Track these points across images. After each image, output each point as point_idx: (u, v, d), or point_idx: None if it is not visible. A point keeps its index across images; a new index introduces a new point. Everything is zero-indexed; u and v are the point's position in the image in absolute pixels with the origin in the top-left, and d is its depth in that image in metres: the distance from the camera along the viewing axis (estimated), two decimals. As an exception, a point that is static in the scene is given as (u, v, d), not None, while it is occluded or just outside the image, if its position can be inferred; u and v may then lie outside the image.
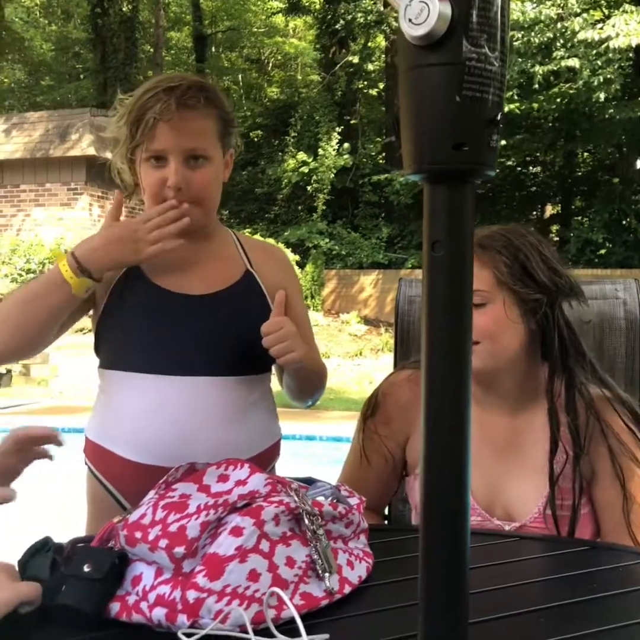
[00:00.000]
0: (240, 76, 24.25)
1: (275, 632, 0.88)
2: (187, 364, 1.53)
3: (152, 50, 22.07)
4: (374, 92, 19.43)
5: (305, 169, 15.20)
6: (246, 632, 0.88)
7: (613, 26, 12.28)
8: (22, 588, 0.92)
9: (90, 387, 1.79)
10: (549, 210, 18.56)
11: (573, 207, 17.26)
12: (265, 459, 1.64)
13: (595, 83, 12.39)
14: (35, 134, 13.50)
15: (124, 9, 17.61)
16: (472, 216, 0.61)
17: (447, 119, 0.59)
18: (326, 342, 11.68)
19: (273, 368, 1.68)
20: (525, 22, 12.93)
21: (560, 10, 13.04)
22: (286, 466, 1.69)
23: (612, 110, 13.14)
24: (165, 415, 1.52)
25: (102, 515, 1.52)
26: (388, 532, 1.40)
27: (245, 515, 0.95)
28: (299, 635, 0.85)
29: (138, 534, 0.95)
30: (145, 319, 1.55)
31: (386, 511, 1.79)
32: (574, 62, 12.56)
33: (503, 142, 13.34)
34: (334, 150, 15.33)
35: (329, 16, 16.43)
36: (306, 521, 1.01)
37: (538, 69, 12.78)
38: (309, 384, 1.70)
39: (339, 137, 15.57)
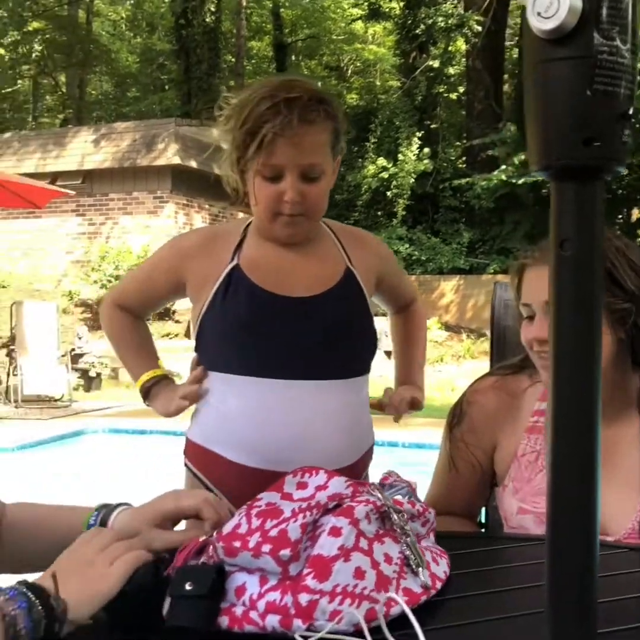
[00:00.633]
0: (320, 84, 24.34)
1: (387, 633, 0.87)
2: (293, 367, 1.53)
3: (233, 60, 22.44)
4: (453, 96, 19.26)
5: (385, 175, 15.17)
6: (360, 631, 0.87)
7: None
8: (133, 557, 0.96)
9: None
10: (636, 213, 18.00)
11: (662, 209, 16.70)
12: (363, 464, 1.64)
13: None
14: (123, 144, 13.88)
15: (207, 20, 17.95)
16: (602, 214, 0.60)
17: (577, 114, 0.58)
18: (407, 348, 11.59)
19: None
20: None
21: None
22: (369, 472, 1.68)
23: None
24: (274, 419, 1.51)
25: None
26: (480, 540, 1.38)
27: (339, 515, 0.96)
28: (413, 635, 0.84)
29: (237, 544, 0.94)
30: (249, 321, 1.55)
31: (483, 518, 1.76)
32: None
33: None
34: (414, 155, 15.26)
35: (410, 21, 16.37)
36: (396, 517, 1.01)
37: None
38: None
39: (419, 142, 15.48)
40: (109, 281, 12.35)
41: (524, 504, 1.47)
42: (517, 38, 19.20)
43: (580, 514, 0.60)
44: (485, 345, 12.21)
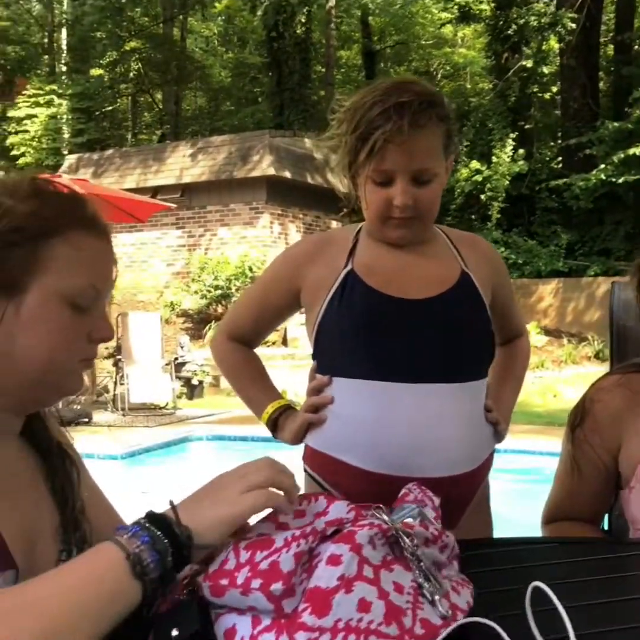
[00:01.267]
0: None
1: None
2: (411, 370, 1.50)
3: (323, 69, 22.61)
4: (547, 96, 18.87)
5: (478, 178, 14.97)
6: None
7: None
8: (272, 494, 0.92)
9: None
10: None
11: None
12: (485, 470, 1.61)
13: None
14: (219, 157, 14.18)
15: (298, 32, 18.18)
16: None
17: None
18: (505, 353, 11.40)
19: None
20: None
21: None
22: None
23: None
24: (394, 423, 1.49)
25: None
26: (605, 546, 1.34)
27: (338, 542, 0.86)
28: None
29: (224, 582, 0.84)
30: (366, 324, 1.54)
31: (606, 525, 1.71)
32: None
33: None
34: (508, 156, 15.01)
35: (501, 22, 16.14)
36: (407, 541, 0.91)
37: None
38: None
39: (513, 144, 15.22)
40: (209, 291, 12.62)
41: None
42: (611, 34, 18.65)
43: None
44: (588, 349, 11.91)
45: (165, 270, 14.54)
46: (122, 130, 24.74)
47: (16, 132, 19.91)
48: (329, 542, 0.85)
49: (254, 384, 1.78)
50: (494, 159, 15.01)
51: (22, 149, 19.39)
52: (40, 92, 20.10)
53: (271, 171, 13.41)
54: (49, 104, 19.86)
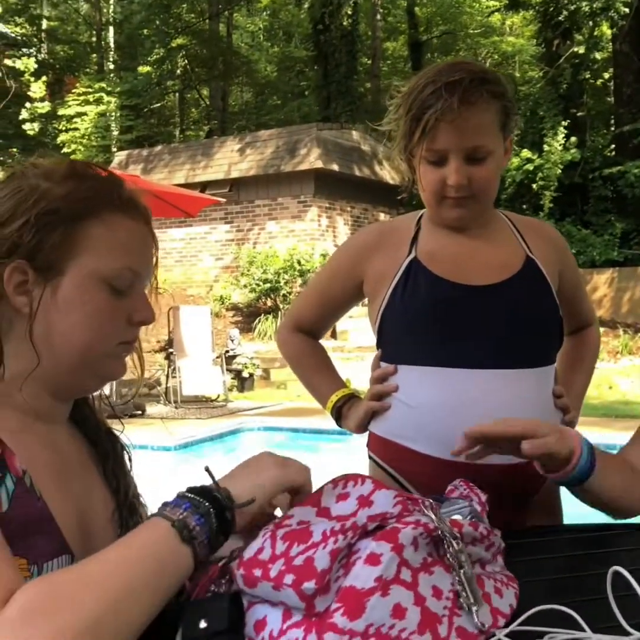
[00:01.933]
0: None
1: None
2: (480, 357, 1.50)
3: (369, 62, 22.54)
4: (599, 82, 18.52)
5: (529, 167, 14.73)
6: None
7: None
8: (291, 471, 0.95)
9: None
10: None
11: None
12: None
13: None
14: (267, 151, 14.23)
15: (344, 24, 18.11)
16: None
17: None
18: (559, 345, 11.23)
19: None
20: None
21: None
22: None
23: None
24: (460, 409, 1.48)
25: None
26: None
27: (380, 539, 0.81)
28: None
29: (257, 572, 0.82)
30: (431, 311, 1.54)
31: None
32: None
33: None
34: (560, 145, 14.75)
35: (551, 8, 15.85)
36: (454, 544, 0.86)
37: None
38: None
39: (565, 131, 14.95)
40: (258, 285, 12.68)
41: None
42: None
43: None
44: (645, 340, 11.65)
45: (215, 265, 14.65)
46: (169, 126, 24.99)
47: (67, 130, 20.22)
48: (370, 538, 0.82)
49: (318, 373, 1.81)
50: (546, 147, 14.76)
51: (73, 146, 19.69)
52: (90, 90, 20.38)
53: (319, 164, 13.40)
54: (98, 101, 20.12)
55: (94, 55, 25.03)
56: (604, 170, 14.65)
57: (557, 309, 1.59)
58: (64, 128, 20.39)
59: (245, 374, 10.57)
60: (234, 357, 10.63)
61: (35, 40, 24.86)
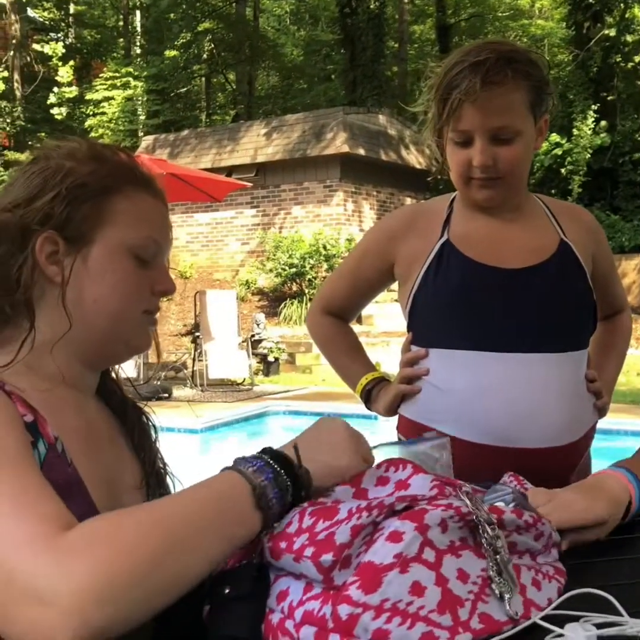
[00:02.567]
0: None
1: None
2: (512, 340, 1.49)
3: (396, 45, 22.33)
4: (630, 65, 18.21)
5: (558, 151, 14.56)
6: None
7: None
8: (365, 457, 0.97)
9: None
10: None
11: None
12: (585, 442, 1.58)
13: None
14: (294, 135, 14.18)
15: (371, 7, 17.95)
16: None
17: None
18: (586, 331, 11.13)
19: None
20: None
21: None
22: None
23: None
24: (495, 394, 1.48)
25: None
26: None
27: (405, 519, 0.82)
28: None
29: (283, 544, 0.84)
30: (464, 294, 1.53)
31: None
32: None
33: None
34: (589, 129, 14.56)
35: (582, -10, 15.64)
36: (488, 529, 0.85)
37: None
38: None
39: (595, 116, 14.75)
40: (284, 269, 12.69)
41: None
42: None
43: None
44: (674, 327, 11.49)
45: (240, 249, 14.67)
46: (196, 111, 24.95)
47: (94, 115, 20.29)
48: (396, 517, 0.82)
49: (347, 356, 1.81)
50: (575, 131, 14.58)
51: (100, 131, 19.75)
52: (117, 74, 20.41)
53: (345, 148, 13.34)
54: (125, 86, 20.15)
55: (121, 39, 25.05)
56: (634, 154, 14.45)
57: (591, 293, 1.58)
58: (91, 112, 20.46)
59: (270, 359, 10.61)
60: (260, 341, 10.67)
61: (62, 25, 24.95)
